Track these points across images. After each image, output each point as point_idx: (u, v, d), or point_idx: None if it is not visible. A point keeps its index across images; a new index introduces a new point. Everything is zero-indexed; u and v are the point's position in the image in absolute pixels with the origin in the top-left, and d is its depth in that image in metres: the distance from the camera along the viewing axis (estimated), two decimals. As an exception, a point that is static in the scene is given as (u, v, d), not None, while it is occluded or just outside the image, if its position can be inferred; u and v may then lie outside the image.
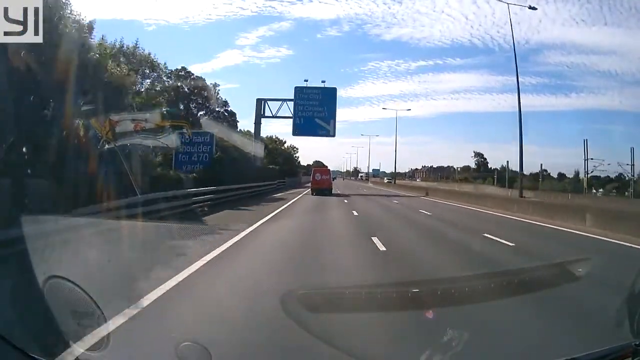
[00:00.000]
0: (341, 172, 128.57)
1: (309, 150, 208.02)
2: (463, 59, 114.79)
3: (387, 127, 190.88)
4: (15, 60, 8.19)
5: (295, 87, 34.30)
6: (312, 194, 29.52)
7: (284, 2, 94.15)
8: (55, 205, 8.17)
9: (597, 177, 49.54)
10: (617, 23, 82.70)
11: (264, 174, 32.13)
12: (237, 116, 42.09)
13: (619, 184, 47.86)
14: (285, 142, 60.23)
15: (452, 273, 6.49)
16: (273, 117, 34.98)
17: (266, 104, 34.57)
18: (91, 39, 13.34)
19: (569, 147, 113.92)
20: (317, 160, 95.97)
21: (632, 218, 12.29)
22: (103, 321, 3.12)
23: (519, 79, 25.91)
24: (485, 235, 10.83)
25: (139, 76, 19.90)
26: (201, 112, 38.09)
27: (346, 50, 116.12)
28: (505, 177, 56.77)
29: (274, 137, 56.47)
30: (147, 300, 4.40)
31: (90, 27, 13.40)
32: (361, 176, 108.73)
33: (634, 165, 41.69)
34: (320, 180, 31.14)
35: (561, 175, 60.99)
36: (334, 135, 34.47)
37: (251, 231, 10.58)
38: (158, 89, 33.04)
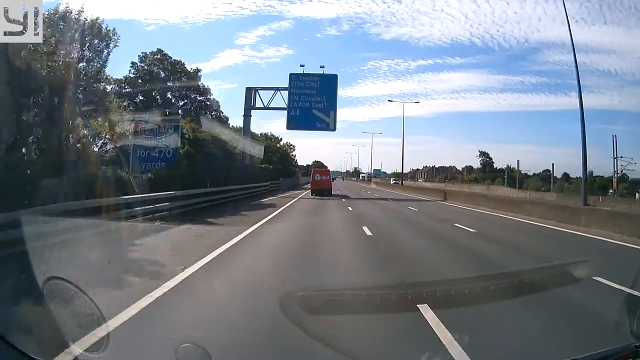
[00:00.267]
0: (341, 172, 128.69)
1: (307, 150, 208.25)
2: (463, 58, 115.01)
3: (387, 127, 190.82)
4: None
5: (291, 74, 29.02)
6: (311, 195, 29.47)
7: (284, 2, 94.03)
8: None
9: (623, 178, 46.15)
10: (617, 22, 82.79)
11: (254, 174, 28.50)
12: (222, 108, 38.20)
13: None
14: (281, 139, 55.55)
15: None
16: (265, 108, 30.19)
17: (257, 94, 29.82)
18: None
19: (569, 147, 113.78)
20: (317, 160, 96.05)
21: None
22: (102, 322, 3.13)
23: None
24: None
25: (89, 51, 15.22)
26: (182, 102, 33.57)
27: (346, 49, 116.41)
28: (509, 178, 55.33)
29: (269, 134, 52.32)
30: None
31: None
32: (363, 176, 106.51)
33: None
34: (320, 180, 31.15)
35: (566, 176, 59.37)
36: (334, 129, 29.15)
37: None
38: (131, 75, 30.37)
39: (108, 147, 15.93)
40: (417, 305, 4.23)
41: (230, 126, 35.66)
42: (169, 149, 16.44)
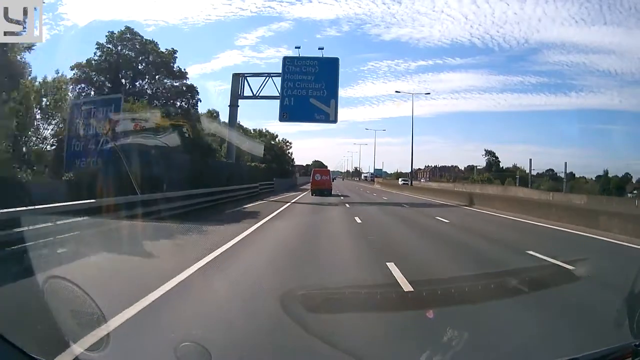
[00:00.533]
0: (341, 172, 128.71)
1: (306, 150, 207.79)
2: (463, 59, 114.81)
3: (387, 127, 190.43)
4: None
5: (284, 58, 25.29)
6: (311, 194, 29.55)
7: (284, 3, 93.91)
8: None
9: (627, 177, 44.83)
10: (617, 22, 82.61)
11: (242, 173, 25.22)
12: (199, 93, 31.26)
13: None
14: (276, 136, 50.62)
15: None
16: (255, 97, 25.82)
17: (245, 81, 25.69)
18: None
19: (569, 147, 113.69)
20: (316, 160, 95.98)
21: None
22: (103, 321, 3.13)
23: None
24: None
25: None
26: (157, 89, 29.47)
27: (346, 50, 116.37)
28: (520, 178, 53.79)
29: (264, 130, 47.71)
30: None
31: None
32: (365, 176, 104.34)
33: None
34: (320, 180, 31.46)
35: (571, 175, 58.58)
36: (335, 121, 24.95)
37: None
38: (96, 58, 26.80)
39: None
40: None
41: (222, 121, 30.94)
42: (105, 139, 12.21)
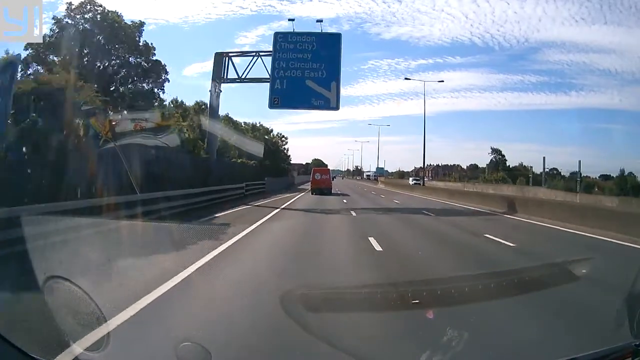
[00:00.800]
0: (341, 171, 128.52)
1: (306, 149, 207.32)
2: (463, 58, 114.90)
3: (387, 125, 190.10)
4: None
5: (276, 33, 21.19)
6: (312, 194, 29.61)
7: (284, 1, 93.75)
8: None
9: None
10: (617, 22, 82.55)
11: (224, 172, 21.72)
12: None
13: None
14: (271, 130, 46.65)
15: None
16: (240, 80, 21.92)
17: (230, 62, 21.68)
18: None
19: (569, 146, 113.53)
20: (316, 158, 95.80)
21: None
22: (103, 321, 3.13)
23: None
24: None
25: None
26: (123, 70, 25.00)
27: (346, 48, 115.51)
28: (530, 177, 51.74)
29: (257, 124, 44.05)
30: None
31: None
32: (367, 175, 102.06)
33: None
34: (320, 179, 31.61)
35: (574, 174, 57.99)
36: (336, 108, 20.96)
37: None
38: (50, 34, 22.64)
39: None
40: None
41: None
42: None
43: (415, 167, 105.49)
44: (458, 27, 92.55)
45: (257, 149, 29.12)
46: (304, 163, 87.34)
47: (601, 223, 12.09)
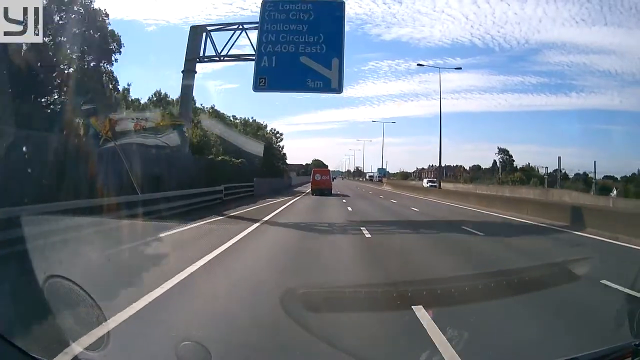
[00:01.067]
0: (341, 172, 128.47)
1: (305, 150, 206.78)
2: (463, 59, 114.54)
3: (387, 126, 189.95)
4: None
5: (264, 1, 16.70)
6: (312, 195, 29.59)
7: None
8: None
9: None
10: (618, 23, 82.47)
11: (198, 171, 18.50)
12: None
13: None
14: (265, 125, 42.96)
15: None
16: (219, 58, 18.16)
17: (208, 38, 17.76)
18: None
19: (569, 147, 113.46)
20: (316, 159, 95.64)
21: None
22: (103, 320, 3.13)
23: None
24: None
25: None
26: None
27: (346, 49, 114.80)
28: (529, 177, 50.81)
29: (250, 119, 40.48)
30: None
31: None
32: (370, 176, 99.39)
33: None
34: (320, 180, 31.63)
35: (578, 176, 53.78)
36: (339, 90, 16.57)
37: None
38: None
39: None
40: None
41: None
42: None
43: (417, 168, 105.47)
44: (458, 28, 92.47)
45: (251, 146, 26.82)
46: (304, 164, 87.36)
47: None
